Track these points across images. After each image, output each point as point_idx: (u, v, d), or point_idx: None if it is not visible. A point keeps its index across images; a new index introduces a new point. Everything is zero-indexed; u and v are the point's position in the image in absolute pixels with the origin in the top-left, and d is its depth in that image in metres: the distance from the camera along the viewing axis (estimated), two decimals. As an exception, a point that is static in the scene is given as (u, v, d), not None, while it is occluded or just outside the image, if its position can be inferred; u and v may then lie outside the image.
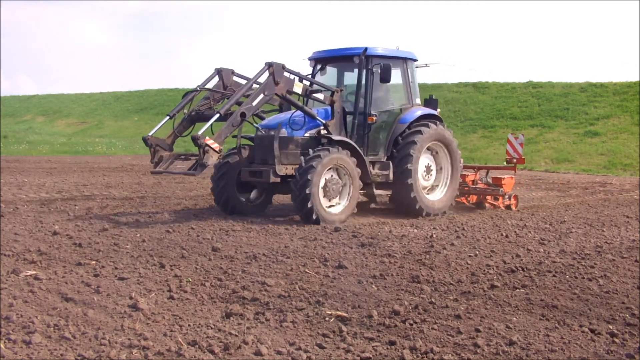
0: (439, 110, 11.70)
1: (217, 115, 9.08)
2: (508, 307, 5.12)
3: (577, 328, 4.61)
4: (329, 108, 10.29)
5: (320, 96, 10.21)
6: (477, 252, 7.34)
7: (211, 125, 9.12)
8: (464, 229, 9.18)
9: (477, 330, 4.50)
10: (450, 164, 11.28)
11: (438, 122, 11.16)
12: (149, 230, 8.64)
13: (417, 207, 10.59)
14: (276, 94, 9.64)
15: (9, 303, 4.97)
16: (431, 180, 11.16)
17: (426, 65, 12.06)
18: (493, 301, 5.28)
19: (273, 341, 4.29)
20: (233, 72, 10.66)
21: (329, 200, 9.71)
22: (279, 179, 9.63)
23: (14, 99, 62.50)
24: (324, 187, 9.53)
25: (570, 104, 30.47)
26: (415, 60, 11.41)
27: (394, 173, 10.57)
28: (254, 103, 9.30)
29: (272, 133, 9.75)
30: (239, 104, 9.59)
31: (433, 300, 5.29)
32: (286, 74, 9.62)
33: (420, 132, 10.69)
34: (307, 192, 9.21)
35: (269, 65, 9.41)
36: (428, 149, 11.01)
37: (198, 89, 10.39)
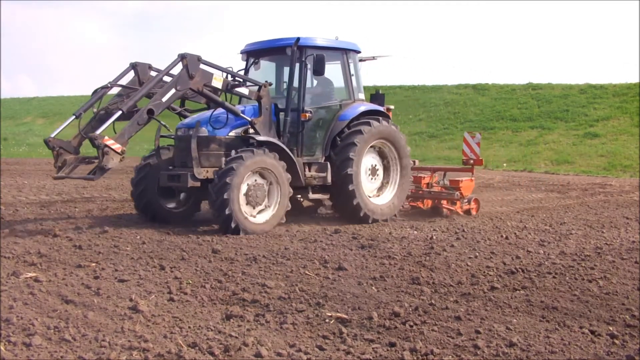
0: (389, 107, 10.88)
1: (120, 112, 8.01)
2: (508, 308, 5.12)
3: (577, 329, 4.60)
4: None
5: (245, 91, 9.17)
6: (477, 254, 7.34)
7: (113, 123, 8.07)
8: (464, 230, 9.17)
9: (477, 332, 4.50)
10: (399, 162, 10.39)
11: (381, 119, 10.18)
12: (149, 232, 8.64)
13: (361, 214, 9.73)
14: (191, 89, 8.63)
15: (9, 305, 4.97)
16: (378, 181, 10.34)
17: (374, 58, 11.15)
18: (493, 303, 5.28)
19: (273, 343, 4.29)
20: (150, 67, 9.27)
21: (253, 208, 8.78)
22: (198, 184, 8.66)
23: (14, 101, 62.42)
24: (247, 194, 8.61)
25: (570, 105, 30.51)
26: (358, 52, 10.44)
27: (333, 178, 9.65)
28: (164, 99, 8.25)
29: (191, 132, 8.89)
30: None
31: (433, 301, 5.28)
32: (203, 66, 8.61)
33: (360, 131, 9.75)
34: (225, 197, 8.26)
35: (182, 57, 8.38)
36: (372, 147, 10.12)
37: (109, 85, 8.98)
